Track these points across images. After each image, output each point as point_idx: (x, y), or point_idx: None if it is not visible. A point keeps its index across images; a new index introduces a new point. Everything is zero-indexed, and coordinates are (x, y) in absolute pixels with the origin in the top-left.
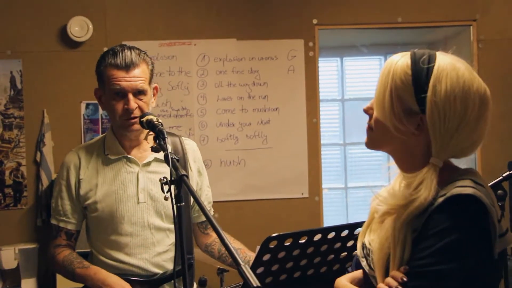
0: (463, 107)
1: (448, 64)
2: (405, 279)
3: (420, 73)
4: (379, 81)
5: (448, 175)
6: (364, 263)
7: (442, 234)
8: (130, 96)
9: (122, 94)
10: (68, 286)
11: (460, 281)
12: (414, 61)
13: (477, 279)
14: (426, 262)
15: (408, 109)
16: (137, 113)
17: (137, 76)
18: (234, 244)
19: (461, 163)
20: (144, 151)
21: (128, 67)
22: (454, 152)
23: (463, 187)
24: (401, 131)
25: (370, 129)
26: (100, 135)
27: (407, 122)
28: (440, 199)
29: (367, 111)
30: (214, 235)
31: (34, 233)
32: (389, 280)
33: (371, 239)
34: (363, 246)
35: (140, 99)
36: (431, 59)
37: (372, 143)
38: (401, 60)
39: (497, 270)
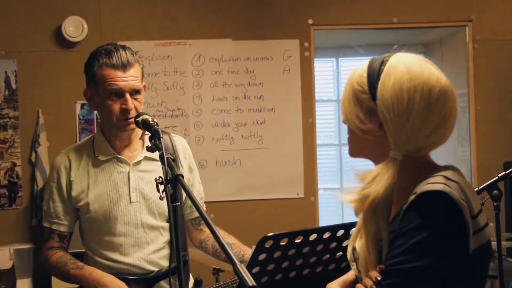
0: (410, 97)
1: (400, 60)
2: (379, 278)
3: (373, 73)
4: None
5: (429, 173)
6: (353, 267)
7: (414, 232)
8: (128, 96)
9: (119, 94)
10: (63, 286)
11: (433, 278)
12: (370, 64)
13: (451, 275)
14: (399, 260)
15: (367, 109)
16: (133, 113)
17: (134, 76)
18: (228, 239)
19: (455, 162)
20: (134, 150)
21: (124, 66)
22: (415, 144)
23: (433, 184)
24: (365, 131)
25: (348, 139)
26: (88, 136)
27: (369, 121)
28: (412, 197)
29: (344, 121)
30: (207, 230)
31: (29, 233)
32: (365, 280)
33: (361, 244)
34: (354, 251)
35: (136, 99)
36: (386, 59)
37: (351, 151)
38: (360, 67)
39: (473, 266)
